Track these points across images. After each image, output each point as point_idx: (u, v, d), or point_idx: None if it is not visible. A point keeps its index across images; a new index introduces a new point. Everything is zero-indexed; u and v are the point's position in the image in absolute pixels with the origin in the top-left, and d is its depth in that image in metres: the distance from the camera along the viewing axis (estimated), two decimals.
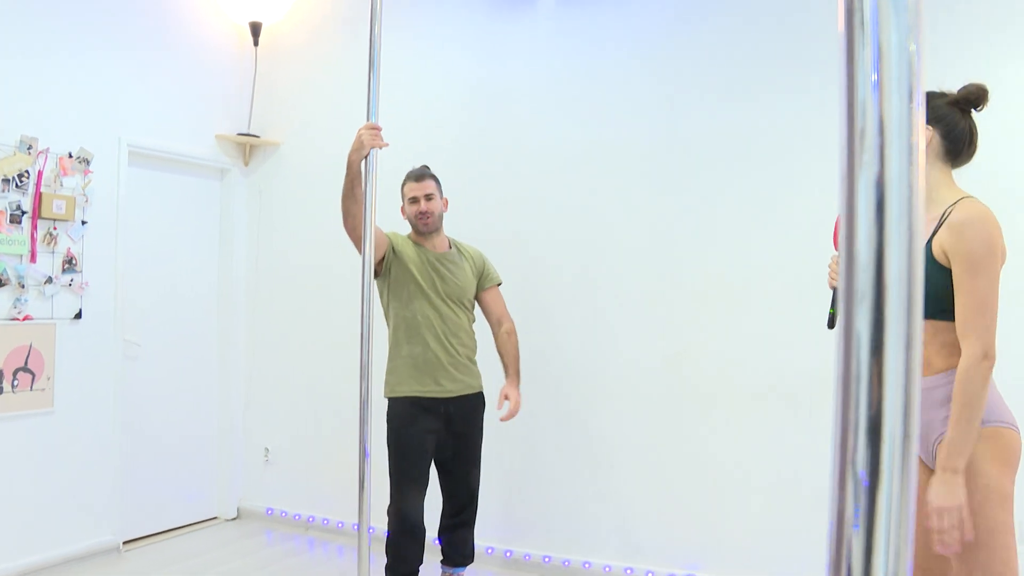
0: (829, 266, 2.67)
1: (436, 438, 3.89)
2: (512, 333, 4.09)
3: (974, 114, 2.45)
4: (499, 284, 4.15)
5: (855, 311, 0.67)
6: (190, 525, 5.38)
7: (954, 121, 2.40)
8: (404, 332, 3.84)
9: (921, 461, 2.41)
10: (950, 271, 2.27)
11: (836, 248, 2.67)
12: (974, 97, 2.41)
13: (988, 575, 2.21)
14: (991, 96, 2.46)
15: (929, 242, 2.33)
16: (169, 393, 5.26)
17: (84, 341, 4.64)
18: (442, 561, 4.12)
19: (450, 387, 3.87)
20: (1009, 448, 2.27)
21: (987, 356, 2.21)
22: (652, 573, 4.48)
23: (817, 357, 4.13)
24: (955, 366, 2.28)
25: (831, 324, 2.59)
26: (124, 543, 4.83)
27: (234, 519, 5.59)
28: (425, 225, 3.89)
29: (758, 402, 4.25)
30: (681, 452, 4.45)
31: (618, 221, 4.63)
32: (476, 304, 4.10)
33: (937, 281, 2.28)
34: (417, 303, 3.82)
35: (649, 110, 4.57)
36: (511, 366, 4.02)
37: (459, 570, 4.11)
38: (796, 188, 4.20)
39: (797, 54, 4.23)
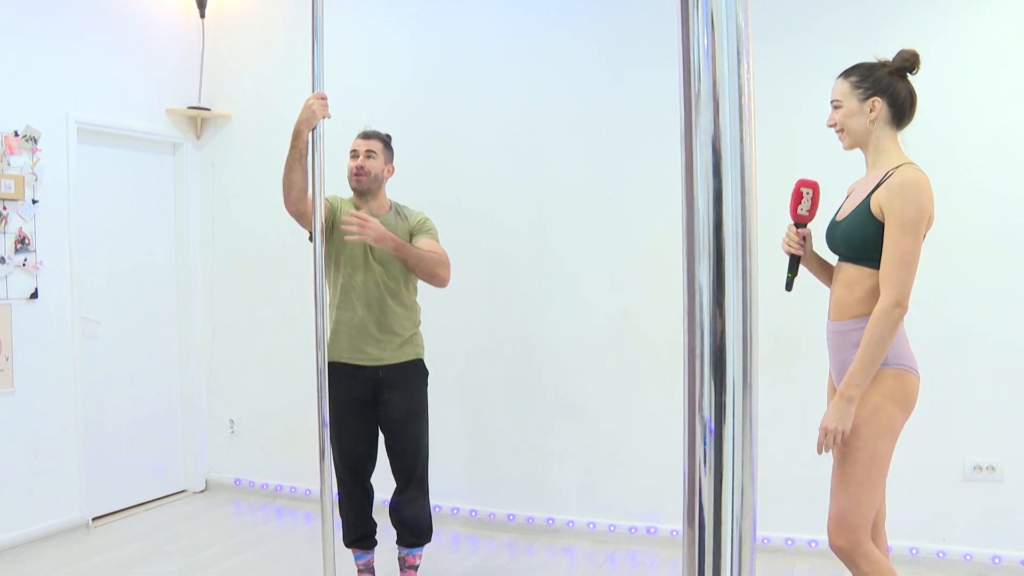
0: (786, 233, 2.85)
1: (367, 404, 3.78)
2: (437, 255, 3.72)
3: (910, 77, 2.67)
4: (434, 237, 3.85)
5: (697, 266, 0.71)
6: (159, 499, 5.40)
7: (896, 89, 2.63)
8: (338, 297, 3.73)
9: (833, 389, 2.75)
10: (882, 225, 2.52)
11: (792, 216, 2.78)
12: (910, 63, 2.65)
13: (858, 493, 2.53)
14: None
15: (868, 197, 2.58)
16: (131, 369, 5.26)
17: (41, 320, 4.62)
18: (396, 541, 3.94)
19: (377, 355, 3.74)
20: (907, 390, 2.55)
21: (900, 305, 2.47)
22: (614, 527, 4.57)
23: (770, 315, 4.19)
24: (870, 313, 2.52)
25: (788, 287, 2.84)
26: (93, 519, 4.85)
27: (202, 491, 5.62)
28: (358, 181, 3.77)
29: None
30: (639, 408, 4.52)
31: (568, 183, 4.67)
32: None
33: (869, 232, 2.55)
34: (350, 267, 3.72)
35: (595, 73, 4.59)
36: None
37: (412, 551, 3.92)
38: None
39: None
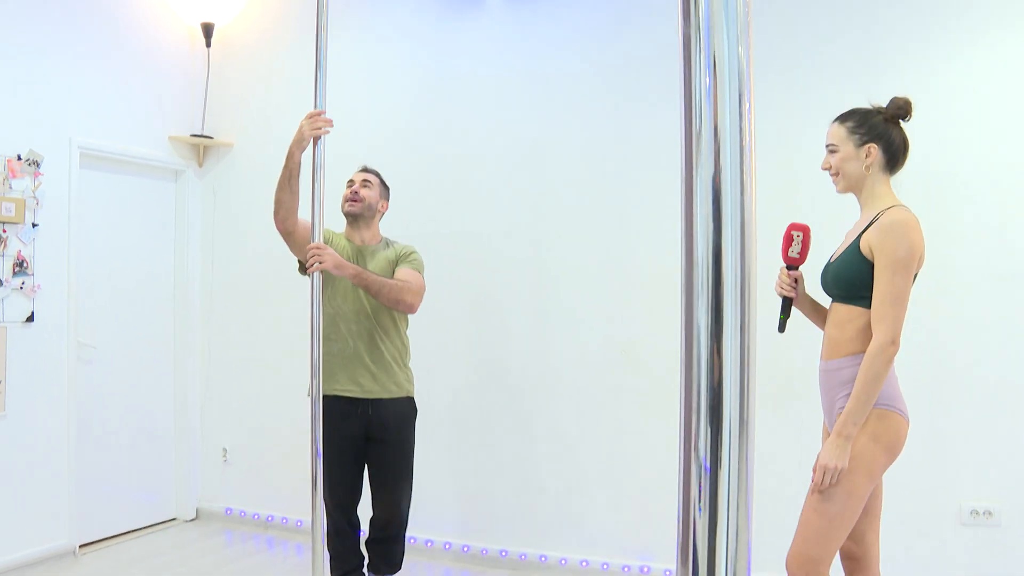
0: (779, 276, 2.92)
1: (357, 439, 3.78)
2: (402, 283, 3.70)
3: (902, 124, 2.74)
4: (417, 268, 3.85)
5: (695, 303, 0.71)
6: (148, 527, 5.36)
7: (891, 135, 2.70)
8: (328, 327, 3.69)
9: (826, 429, 2.79)
10: (871, 265, 2.57)
11: (784, 259, 2.82)
12: (903, 111, 2.72)
13: (828, 528, 2.57)
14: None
15: (859, 238, 2.63)
16: (125, 395, 5.24)
17: (36, 344, 4.61)
18: (369, 568, 3.98)
19: (370, 387, 3.75)
20: (892, 431, 2.58)
21: (893, 343, 2.52)
22: (607, 565, 4.53)
23: (768, 354, 4.19)
24: (860, 351, 2.59)
25: (781, 328, 2.91)
26: (80, 547, 4.80)
27: (193, 520, 5.58)
28: (351, 205, 3.80)
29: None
30: (635, 445, 4.50)
31: (568, 215, 4.68)
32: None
33: (859, 272, 2.60)
34: (339, 297, 3.72)
35: (597, 106, 4.61)
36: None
37: None
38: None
39: None
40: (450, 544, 4.86)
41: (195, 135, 5.52)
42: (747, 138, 0.70)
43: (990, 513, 3.91)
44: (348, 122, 4.72)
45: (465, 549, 4.83)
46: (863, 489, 2.57)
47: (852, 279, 2.62)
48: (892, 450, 2.59)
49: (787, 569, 2.65)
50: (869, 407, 2.53)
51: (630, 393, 4.51)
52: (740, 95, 0.70)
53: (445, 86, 4.98)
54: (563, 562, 4.62)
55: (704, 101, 0.70)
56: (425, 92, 5.02)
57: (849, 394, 2.58)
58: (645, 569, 4.45)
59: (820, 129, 2.92)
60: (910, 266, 2.55)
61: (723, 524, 0.71)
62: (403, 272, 3.76)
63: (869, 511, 2.74)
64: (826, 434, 2.79)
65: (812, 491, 2.61)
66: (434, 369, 4.55)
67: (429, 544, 4.88)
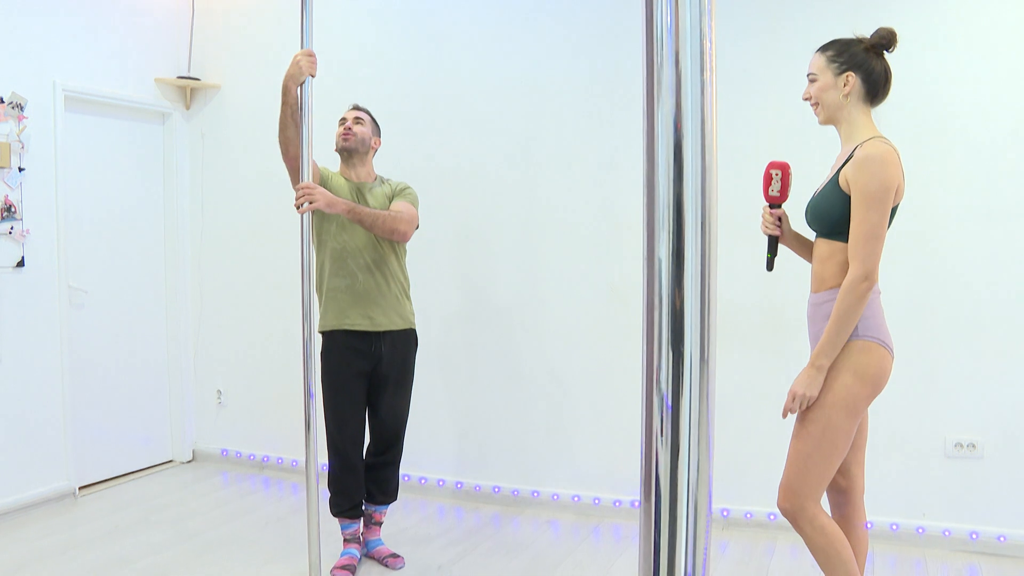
0: (762, 215, 2.93)
1: (367, 374, 3.86)
2: (395, 213, 3.74)
3: (887, 55, 2.70)
4: (412, 203, 3.89)
5: (656, 239, 0.71)
6: (146, 469, 5.42)
7: (871, 65, 2.65)
8: (334, 263, 3.77)
9: None
10: (849, 199, 2.56)
11: (765, 198, 2.83)
12: (886, 41, 2.67)
13: (807, 461, 2.60)
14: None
15: (837, 172, 2.62)
16: (118, 338, 5.25)
17: (27, 289, 4.61)
18: (365, 498, 4.01)
19: (380, 320, 3.80)
20: (875, 364, 2.58)
21: (867, 278, 2.52)
22: (599, 500, 4.60)
23: (754, 292, 4.22)
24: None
25: (769, 267, 2.95)
26: (80, 488, 4.87)
27: (189, 462, 5.64)
28: (345, 140, 3.85)
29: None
30: (625, 381, 4.54)
31: (559, 154, 4.66)
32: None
33: (838, 207, 2.59)
34: (346, 233, 3.76)
35: (588, 42, 4.57)
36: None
37: (382, 508, 4.05)
38: (733, 126, 4.23)
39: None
40: (444, 481, 4.93)
41: (181, 77, 5.46)
42: (708, 73, 0.70)
43: (973, 446, 3.97)
44: (336, 60, 4.69)
45: (459, 485, 4.90)
46: (845, 424, 2.58)
47: (831, 214, 2.61)
48: (876, 383, 2.60)
49: (777, 502, 2.70)
50: (842, 340, 2.55)
51: (620, 330, 4.54)
52: (702, 32, 0.70)
53: (433, 21, 4.92)
54: (555, 497, 4.69)
55: (666, 36, 0.70)
56: (413, 28, 4.96)
57: None
58: (635, 503, 4.52)
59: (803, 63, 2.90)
60: (885, 200, 2.53)
61: (684, 457, 0.72)
62: (398, 205, 3.81)
63: (854, 444, 2.77)
64: None
65: (794, 428, 2.65)
66: (426, 308, 4.56)
67: (423, 481, 4.95)
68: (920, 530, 4.04)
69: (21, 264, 4.57)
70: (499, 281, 4.82)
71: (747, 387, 4.29)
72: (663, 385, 0.72)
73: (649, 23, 0.71)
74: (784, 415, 2.65)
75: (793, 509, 2.63)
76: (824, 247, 2.67)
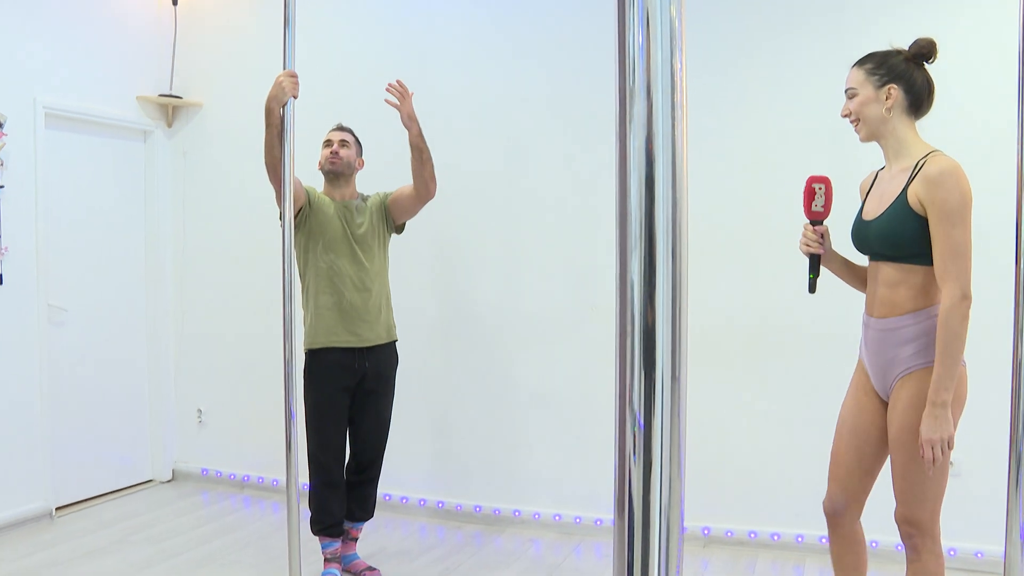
0: (803, 233, 2.77)
1: (351, 389, 3.90)
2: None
3: (927, 66, 2.62)
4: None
5: (629, 257, 0.72)
6: (125, 489, 5.37)
7: (913, 76, 2.57)
8: (321, 282, 3.83)
9: (872, 390, 2.70)
10: (924, 219, 2.46)
11: (807, 214, 2.70)
12: (926, 51, 2.59)
13: (923, 491, 2.54)
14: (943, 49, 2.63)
15: (904, 191, 2.51)
16: (98, 357, 5.22)
17: (6, 307, 4.57)
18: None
19: (367, 335, 3.86)
20: (961, 385, 2.51)
21: (965, 296, 2.42)
22: (580, 519, 4.59)
23: (734, 310, 4.25)
24: (922, 307, 2.52)
25: (811, 289, 2.78)
26: (57, 509, 4.81)
27: (169, 481, 5.59)
28: (332, 164, 3.91)
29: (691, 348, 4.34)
30: (607, 400, 4.53)
31: (541, 170, 4.68)
32: (387, 251, 4.05)
33: (912, 228, 2.48)
34: (333, 252, 3.82)
35: (567, 58, 4.59)
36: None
37: (359, 524, 4.09)
38: (728, 138, 4.27)
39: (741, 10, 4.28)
40: (425, 500, 4.91)
41: (163, 95, 5.46)
42: (679, 95, 0.71)
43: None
44: (319, 77, 4.69)
45: (440, 504, 4.88)
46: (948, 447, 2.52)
47: (904, 237, 2.50)
48: (962, 400, 2.56)
49: (899, 527, 2.63)
50: (957, 368, 2.45)
51: (601, 348, 4.55)
52: (672, 49, 0.71)
53: (413, 43, 4.94)
54: (537, 516, 4.68)
55: (638, 56, 0.71)
56: (394, 49, 4.98)
57: (917, 351, 2.52)
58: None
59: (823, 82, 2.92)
60: (967, 214, 2.43)
61: (656, 475, 0.73)
62: (402, 188, 3.96)
63: (871, 470, 2.77)
64: (862, 387, 2.74)
65: (924, 464, 2.51)
66: (407, 324, 4.55)
67: (404, 500, 4.93)
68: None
69: (0, 281, 4.54)
70: (481, 298, 4.82)
71: (728, 405, 4.30)
72: (635, 404, 0.73)
73: (621, 49, 0.72)
74: (930, 469, 2.50)
75: (922, 536, 2.58)
76: (891, 272, 2.57)
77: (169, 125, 5.58)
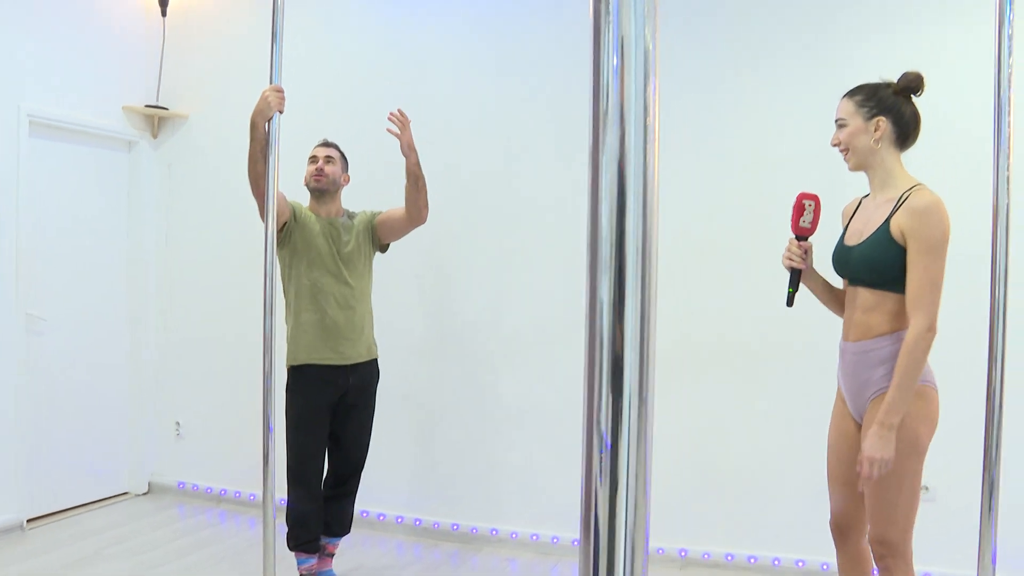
0: (788, 247, 2.83)
1: (333, 406, 3.91)
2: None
3: (914, 99, 2.70)
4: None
5: (599, 280, 0.72)
6: (99, 501, 5.33)
7: (901, 109, 2.66)
8: (304, 298, 3.84)
9: (850, 415, 2.79)
10: (903, 249, 2.55)
11: (794, 229, 2.76)
12: (914, 85, 2.68)
13: (895, 515, 2.62)
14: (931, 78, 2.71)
15: (887, 221, 2.60)
16: (77, 368, 5.18)
17: None
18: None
19: (349, 353, 3.87)
20: (931, 406, 2.63)
21: (931, 328, 2.52)
22: (557, 539, 4.59)
23: (715, 328, 4.26)
24: (894, 331, 2.61)
25: (790, 302, 2.84)
26: (28, 521, 4.76)
27: (145, 494, 5.55)
28: (317, 181, 3.92)
29: (668, 367, 4.35)
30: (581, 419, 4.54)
31: (528, 183, 4.69)
32: (371, 269, 4.07)
33: (890, 257, 2.58)
34: (317, 269, 3.84)
35: (560, 69, 4.60)
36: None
37: (336, 540, 4.11)
38: (728, 140, 4.29)
39: (714, 23, 4.31)
40: (402, 518, 4.89)
41: (149, 105, 5.45)
42: (651, 117, 0.71)
43: (926, 488, 4.02)
44: (305, 92, 4.68)
45: (417, 522, 4.87)
46: (918, 467, 2.62)
47: (884, 265, 2.59)
48: (933, 422, 2.64)
49: (872, 548, 2.70)
50: (911, 395, 2.53)
51: (578, 367, 4.55)
52: (646, 75, 0.71)
53: (403, 56, 4.95)
54: (514, 536, 4.67)
55: (611, 80, 0.72)
56: (383, 62, 4.99)
57: (887, 372, 2.59)
58: None
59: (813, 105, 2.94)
60: (945, 249, 2.54)
61: (622, 497, 0.73)
62: (391, 211, 3.99)
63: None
64: (841, 413, 2.83)
65: (865, 481, 2.61)
66: (387, 341, 4.54)
67: (381, 518, 4.91)
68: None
69: None
70: (462, 317, 4.82)
71: (707, 425, 4.31)
72: (602, 426, 0.73)
73: (596, 73, 0.72)
74: (861, 486, 2.62)
75: (894, 556, 2.64)
76: (868, 297, 2.66)
77: (154, 136, 5.57)
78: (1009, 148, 2.31)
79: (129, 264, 5.52)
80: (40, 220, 4.88)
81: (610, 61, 0.72)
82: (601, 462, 0.73)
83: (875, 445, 2.53)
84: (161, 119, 5.56)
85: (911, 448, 2.58)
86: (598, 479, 0.73)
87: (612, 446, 0.72)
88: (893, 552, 2.63)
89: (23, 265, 4.72)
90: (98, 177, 5.34)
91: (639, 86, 0.71)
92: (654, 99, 0.72)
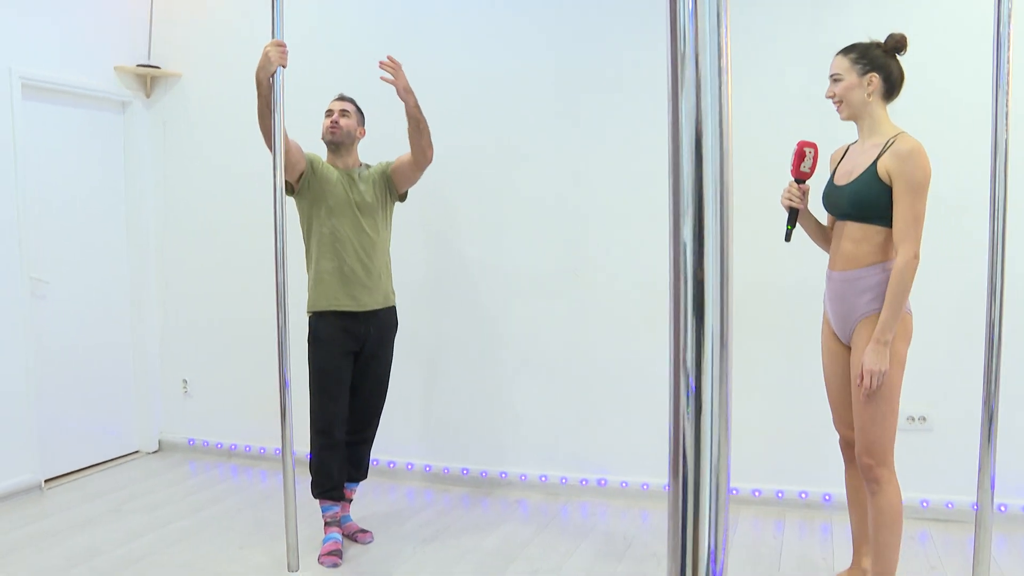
0: (787, 188, 3.15)
1: (354, 353, 3.95)
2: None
3: (899, 57, 3.02)
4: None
5: (681, 223, 0.74)
6: (112, 460, 5.37)
7: (889, 66, 2.98)
8: (323, 247, 3.87)
9: (836, 337, 3.13)
10: (889, 188, 2.87)
11: (794, 173, 3.03)
12: (900, 45, 3.00)
13: (884, 422, 2.94)
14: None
15: (875, 163, 2.91)
16: (82, 329, 5.19)
17: None
18: None
19: (367, 300, 3.91)
20: (907, 326, 2.96)
21: (916, 256, 2.85)
22: (565, 479, 4.66)
23: (754, 275, 4.28)
24: (879, 262, 2.92)
25: (788, 238, 3.18)
26: (46, 481, 4.81)
27: (156, 452, 5.60)
28: (332, 133, 3.93)
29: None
30: (591, 364, 4.59)
31: (527, 138, 4.68)
32: (390, 219, 4.10)
33: (877, 194, 2.90)
34: (336, 218, 3.86)
35: (567, 33, 4.58)
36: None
37: (353, 485, 4.17)
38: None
39: None
40: (412, 464, 4.95)
41: (141, 65, 5.39)
42: (725, 59, 0.73)
43: (924, 419, 4.13)
44: (305, 49, 4.63)
45: (427, 468, 4.93)
46: (899, 378, 2.93)
47: (871, 201, 2.90)
48: (909, 339, 2.96)
49: (860, 461, 2.98)
50: (900, 314, 2.86)
51: (582, 314, 4.59)
52: (718, 19, 0.73)
53: (406, 13, 4.89)
54: (523, 478, 4.73)
55: (687, 24, 0.73)
56: (385, 21, 4.94)
57: (873, 298, 2.92)
58: (602, 482, 4.59)
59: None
60: (926, 188, 2.85)
61: (707, 436, 0.75)
62: (402, 157, 4.00)
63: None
64: (829, 336, 3.15)
65: (864, 395, 2.92)
66: (396, 291, 4.57)
67: (391, 465, 4.97)
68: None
69: None
70: (462, 260, 4.84)
71: (751, 369, 4.32)
72: (688, 363, 0.75)
73: (672, 21, 0.73)
74: (864, 394, 2.91)
75: (878, 463, 2.94)
76: (856, 230, 2.96)
77: (148, 95, 5.52)
78: (1008, 84, 2.36)
79: (129, 224, 5.51)
80: (38, 183, 4.85)
81: (686, 4, 0.73)
82: (687, 402, 0.75)
83: (873, 359, 2.87)
84: (154, 78, 5.49)
85: (899, 364, 2.92)
86: (685, 418, 0.76)
87: (697, 387, 0.74)
88: (881, 460, 2.93)
89: (24, 229, 4.70)
90: (94, 138, 5.30)
91: (713, 29, 0.72)
92: (727, 40, 0.73)
